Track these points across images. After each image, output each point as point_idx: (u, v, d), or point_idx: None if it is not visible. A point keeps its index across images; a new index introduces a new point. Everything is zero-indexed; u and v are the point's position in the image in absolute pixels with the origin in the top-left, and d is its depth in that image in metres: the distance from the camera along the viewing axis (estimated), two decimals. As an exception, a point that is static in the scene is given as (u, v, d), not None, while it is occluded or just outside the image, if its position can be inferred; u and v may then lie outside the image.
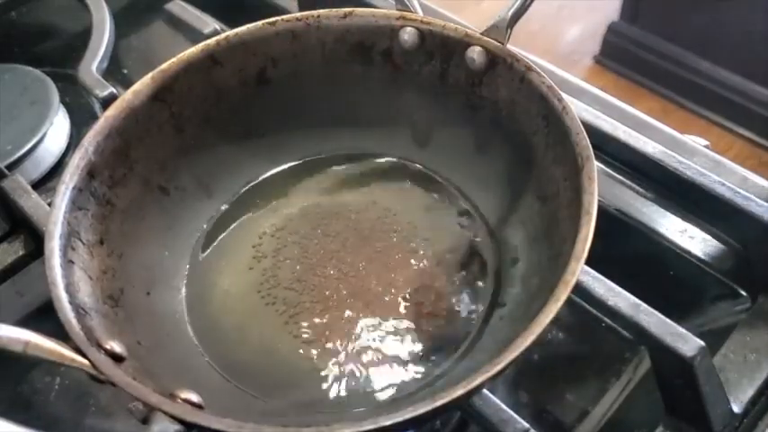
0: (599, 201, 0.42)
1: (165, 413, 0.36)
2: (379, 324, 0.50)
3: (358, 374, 0.48)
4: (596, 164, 0.43)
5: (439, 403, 0.35)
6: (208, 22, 0.70)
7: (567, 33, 1.96)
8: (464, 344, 0.49)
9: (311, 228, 0.57)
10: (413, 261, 0.54)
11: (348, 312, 0.51)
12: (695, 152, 0.60)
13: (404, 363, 0.48)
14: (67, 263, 0.44)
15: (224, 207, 0.58)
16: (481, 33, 0.52)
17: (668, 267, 0.59)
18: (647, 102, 1.72)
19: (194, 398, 0.40)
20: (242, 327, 0.52)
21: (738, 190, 0.53)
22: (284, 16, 0.56)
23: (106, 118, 0.50)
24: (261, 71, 0.57)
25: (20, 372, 0.56)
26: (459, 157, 0.58)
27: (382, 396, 0.47)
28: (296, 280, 0.54)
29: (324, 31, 0.56)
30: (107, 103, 0.59)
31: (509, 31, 0.51)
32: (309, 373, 0.48)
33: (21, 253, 0.58)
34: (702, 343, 0.44)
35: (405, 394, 0.47)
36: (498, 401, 0.44)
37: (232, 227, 0.57)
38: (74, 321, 0.40)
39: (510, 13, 0.51)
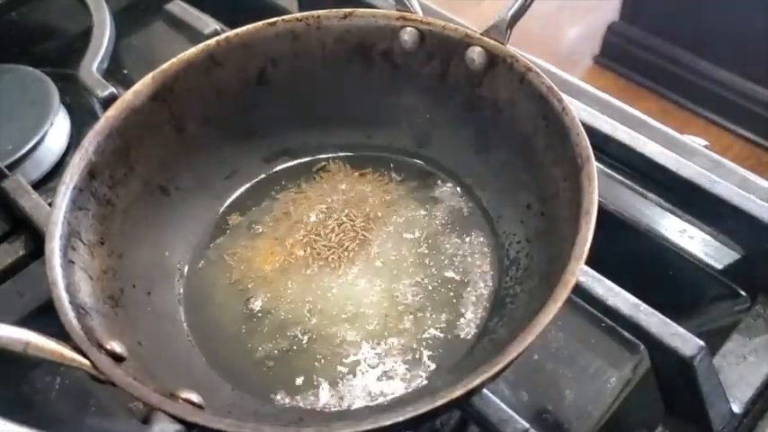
0: (599, 201, 0.42)
1: (166, 413, 0.36)
2: (380, 323, 0.50)
3: (358, 374, 0.48)
4: (596, 164, 0.43)
5: (439, 403, 0.35)
6: (208, 23, 0.70)
7: (566, 33, 1.96)
8: (464, 343, 0.49)
9: (311, 227, 0.57)
10: (412, 261, 0.54)
11: (348, 313, 0.51)
12: (695, 152, 0.60)
13: (402, 366, 0.48)
14: (68, 263, 0.44)
15: (224, 207, 0.58)
16: (481, 34, 0.52)
17: (668, 267, 0.59)
18: (646, 102, 1.72)
19: (194, 398, 0.40)
20: (240, 327, 0.52)
21: (738, 190, 0.53)
22: (284, 17, 0.56)
23: (106, 118, 0.50)
24: (261, 71, 0.57)
25: (20, 372, 0.56)
26: (458, 157, 0.58)
27: (382, 395, 0.47)
28: (296, 281, 0.54)
29: (324, 31, 0.56)
30: (107, 103, 0.59)
31: (509, 31, 0.51)
32: (308, 374, 0.48)
33: (21, 253, 0.58)
34: (702, 343, 0.44)
35: (401, 395, 0.47)
36: (498, 401, 0.44)
37: (232, 227, 0.57)
38: (74, 321, 0.40)
39: (510, 14, 0.51)
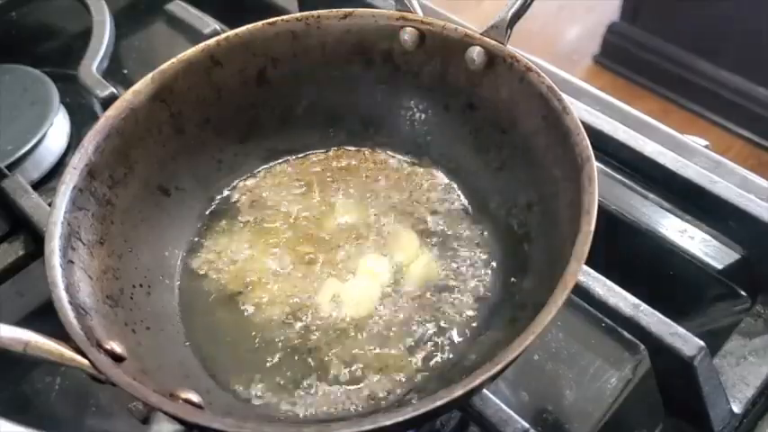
0: (599, 201, 0.42)
1: (165, 413, 0.36)
2: (379, 325, 0.50)
3: (358, 375, 0.48)
4: (596, 164, 0.43)
5: (439, 403, 0.35)
6: (208, 23, 0.70)
7: (566, 33, 1.97)
8: (465, 343, 0.49)
9: (311, 227, 0.57)
10: (412, 260, 0.54)
11: (347, 314, 0.51)
12: (695, 152, 0.60)
13: (401, 366, 0.48)
14: (68, 263, 0.44)
15: (223, 206, 0.58)
16: (481, 33, 0.52)
17: (668, 267, 0.59)
18: (646, 102, 1.72)
19: (194, 398, 0.40)
20: (239, 327, 0.52)
21: (738, 190, 0.53)
22: (284, 16, 0.56)
23: (106, 118, 0.50)
24: (261, 71, 0.57)
25: (20, 372, 0.56)
26: (458, 157, 0.58)
27: (382, 395, 0.47)
28: (295, 281, 0.54)
29: (324, 31, 0.56)
30: (107, 103, 0.60)
31: (509, 31, 0.51)
32: (307, 374, 0.48)
33: (21, 253, 0.58)
34: (702, 343, 0.44)
35: (401, 395, 0.47)
36: (498, 401, 0.44)
37: (231, 226, 0.57)
38: (74, 321, 0.40)
39: (510, 14, 0.51)
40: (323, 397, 0.47)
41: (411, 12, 0.55)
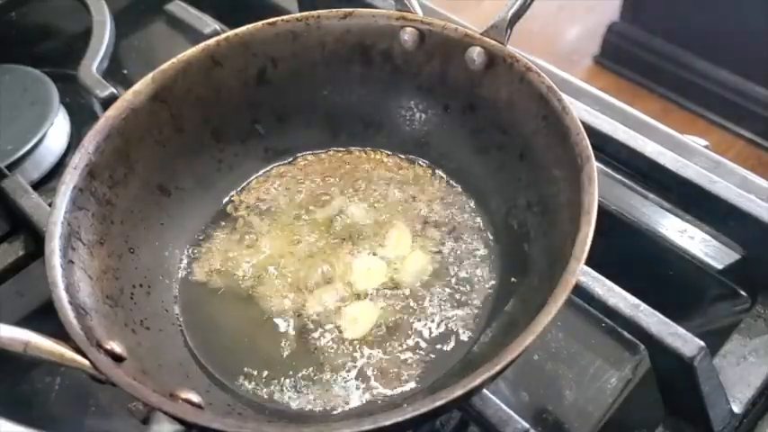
0: (599, 201, 0.42)
1: (165, 413, 0.36)
2: (379, 323, 0.50)
3: (357, 375, 0.48)
4: (596, 164, 0.43)
5: (439, 403, 0.35)
6: (208, 23, 0.70)
7: (566, 33, 1.96)
8: (465, 343, 0.49)
9: (311, 226, 0.57)
10: (411, 260, 0.54)
11: (347, 313, 0.51)
12: (695, 152, 0.60)
13: (401, 366, 0.48)
14: (68, 263, 0.44)
15: (223, 206, 0.58)
16: (481, 34, 0.52)
17: (668, 267, 0.59)
18: (646, 102, 1.72)
19: (194, 398, 0.40)
20: (239, 326, 0.52)
21: (738, 190, 0.53)
22: (284, 17, 0.56)
23: (106, 118, 0.50)
24: (261, 71, 0.57)
25: (20, 372, 0.56)
26: (458, 157, 0.58)
27: (381, 395, 0.47)
28: (293, 281, 0.54)
29: (324, 31, 0.56)
30: (107, 103, 0.60)
31: (509, 31, 0.51)
32: (307, 374, 0.48)
33: (21, 253, 0.58)
34: (702, 343, 0.44)
35: (400, 396, 0.47)
36: (498, 401, 0.44)
37: (231, 226, 0.57)
38: (74, 321, 0.40)
39: (510, 14, 0.51)
40: (323, 396, 0.47)
41: (411, 12, 0.55)
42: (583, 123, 0.46)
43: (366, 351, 0.49)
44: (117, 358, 0.40)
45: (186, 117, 0.55)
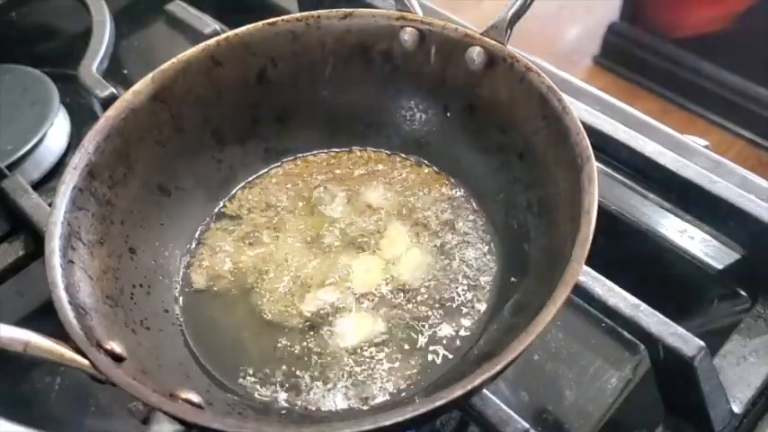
0: (599, 201, 0.42)
1: (165, 413, 0.36)
2: (380, 323, 0.51)
3: (358, 375, 0.48)
4: (596, 164, 0.43)
5: (439, 403, 0.35)
6: (208, 23, 0.70)
7: (566, 33, 1.96)
8: (465, 343, 0.49)
9: (311, 225, 0.57)
10: (412, 259, 0.54)
11: (347, 312, 0.51)
12: (695, 152, 0.60)
13: (401, 366, 0.48)
14: (68, 263, 0.44)
15: (223, 206, 0.58)
16: (481, 34, 0.52)
17: (668, 267, 0.59)
18: (646, 102, 1.72)
19: (194, 398, 0.40)
20: (239, 326, 0.52)
21: (738, 190, 0.53)
22: (284, 17, 0.56)
23: (106, 118, 0.50)
24: (261, 71, 0.57)
25: (20, 372, 0.56)
26: (458, 157, 0.58)
27: (382, 394, 0.47)
28: (293, 281, 0.54)
29: (324, 31, 0.56)
30: (107, 103, 0.59)
31: (509, 31, 0.51)
32: (306, 374, 0.48)
33: (21, 253, 0.58)
34: (702, 343, 0.44)
35: (399, 396, 0.47)
36: (498, 401, 0.44)
37: (231, 226, 0.57)
38: (74, 321, 0.40)
39: (510, 14, 0.51)
40: (324, 396, 0.47)
41: (411, 12, 0.55)
42: (583, 123, 0.46)
43: (366, 351, 0.49)
44: (117, 358, 0.40)
45: (186, 117, 0.55)
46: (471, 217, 0.56)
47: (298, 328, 0.51)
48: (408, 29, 0.55)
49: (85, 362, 0.38)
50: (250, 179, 0.60)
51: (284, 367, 0.49)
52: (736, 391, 0.47)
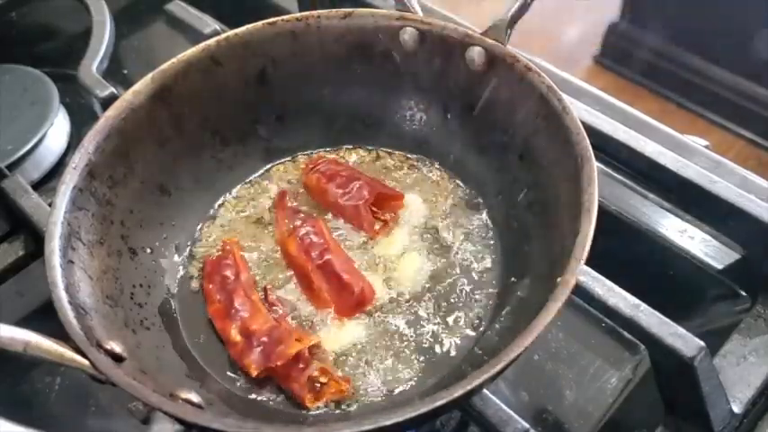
0: (599, 201, 0.42)
1: (165, 413, 0.36)
2: (380, 324, 0.50)
3: (358, 373, 0.48)
4: (596, 164, 0.43)
5: (439, 403, 0.35)
6: (208, 23, 0.70)
7: (566, 33, 1.96)
8: (465, 344, 0.49)
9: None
10: (412, 259, 0.54)
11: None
12: (695, 152, 0.60)
13: (400, 366, 0.48)
14: (68, 263, 0.44)
15: (223, 206, 0.58)
16: (481, 33, 0.52)
17: (668, 267, 0.59)
18: (646, 102, 1.72)
19: (194, 398, 0.40)
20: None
21: (738, 190, 0.53)
22: (284, 16, 0.56)
23: (106, 118, 0.50)
24: (261, 71, 0.57)
25: (20, 372, 0.56)
26: (458, 157, 0.58)
27: (381, 394, 0.47)
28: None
29: (324, 31, 0.56)
30: (107, 103, 0.59)
31: (509, 31, 0.51)
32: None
33: (21, 253, 0.58)
34: (702, 343, 0.44)
35: (400, 396, 0.47)
36: (498, 401, 0.44)
37: (231, 225, 0.57)
38: (74, 321, 0.40)
39: (510, 14, 0.51)
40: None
41: (411, 12, 0.55)
42: (583, 123, 0.46)
43: (366, 351, 0.49)
44: (117, 358, 0.40)
45: (186, 117, 0.55)
46: (471, 217, 0.56)
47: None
48: (408, 29, 0.55)
49: (85, 362, 0.38)
50: (250, 179, 0.60)
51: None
52: (736, 391, 0.47)
